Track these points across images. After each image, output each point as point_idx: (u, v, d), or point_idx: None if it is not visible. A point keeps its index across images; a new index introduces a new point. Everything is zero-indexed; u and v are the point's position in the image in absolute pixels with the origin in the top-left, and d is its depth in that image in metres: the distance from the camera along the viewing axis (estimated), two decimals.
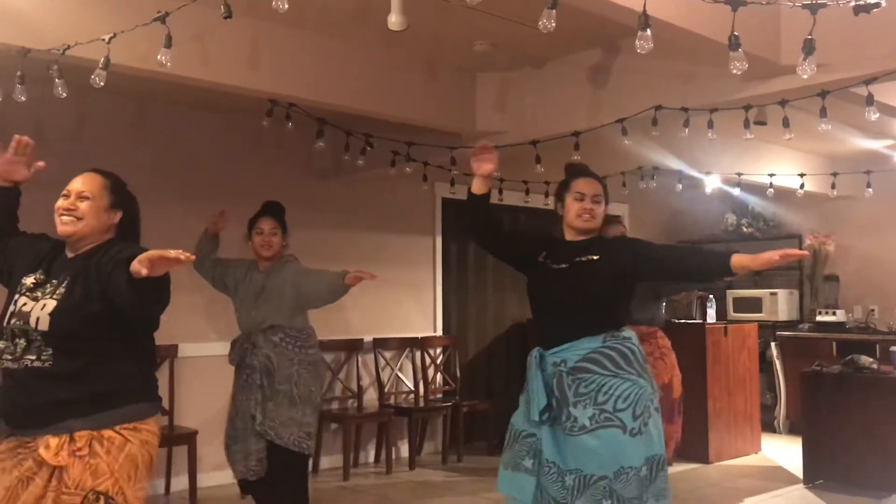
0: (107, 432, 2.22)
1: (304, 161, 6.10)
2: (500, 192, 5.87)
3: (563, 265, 3.01)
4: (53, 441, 2.19)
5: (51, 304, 2.27)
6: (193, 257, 2.08)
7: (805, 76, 2.92)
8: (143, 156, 5.41)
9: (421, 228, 6.90)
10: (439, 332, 6.96)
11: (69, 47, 3.38)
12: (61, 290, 2.30)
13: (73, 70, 3.46)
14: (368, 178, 6.12)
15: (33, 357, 2.24)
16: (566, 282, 2.98)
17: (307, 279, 4.10)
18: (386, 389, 6.44)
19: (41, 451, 2.18)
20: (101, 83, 3.29)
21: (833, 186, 6.11)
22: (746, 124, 4.11)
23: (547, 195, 6.28)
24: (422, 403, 6.53)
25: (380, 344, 6.48)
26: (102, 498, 2.17)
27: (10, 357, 2.27)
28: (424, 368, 6.65)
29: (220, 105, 5.43)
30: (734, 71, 2.95)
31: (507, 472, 2.97)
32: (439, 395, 6.75)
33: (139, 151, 5.40)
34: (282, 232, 4.23)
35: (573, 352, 2.89)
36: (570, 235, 3.12)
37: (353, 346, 6.28)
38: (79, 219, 2.39)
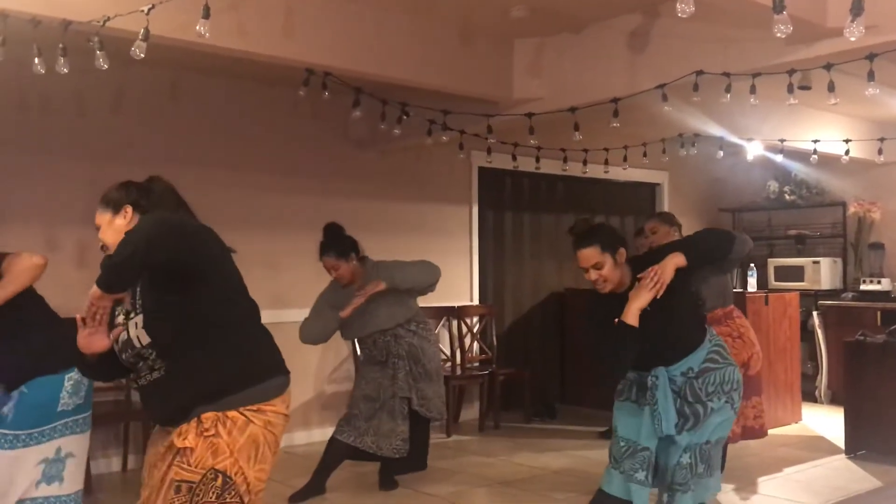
0: (231, 413, 2.23)
1: (341, 130, 6.11)
2: (538, 160, 5.83)
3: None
4: (184, 426, 2.24)
5: (139, 318, 2.33)
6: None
7: (853, 38, 2.85)
8: (180, 126, 5.47)
9: (457, 197, 6.89)
10: (476, 301, 6.98)
11: (109, 19, 3.41)
12: (138, 299, 2.35)
13: (112, 42, 3.50)
14: (405, 148, 6.12)
15: (149, 372, 2.31)
16: (655, 316, 3.04)
17: (399, 274, 4.53)
18: None
19: (173, 437, 2.24)
20: (142, 55, 3.31)
21: (880, 152, 5.98)
22: (790, 89, 4.02)
23: (585, 163, 6.23)
24: (459, 371, 6.57)
25: None
26: (220, 476, 2.19)
27: (136, 379, 2.37)
28: (461, 337, 6.68)
29: (257, 75, 5.46)
30: (778, 34, 2.88)
31: (620, 477, 3.16)
32: (476, 364, 6.78)
33: (177, 122, 5.46)
34: (346, 258, 4.52)
35: (695, 359, 3.16)
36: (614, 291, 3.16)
37: None
38: (106, 248, 2.46)
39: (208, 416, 2.22)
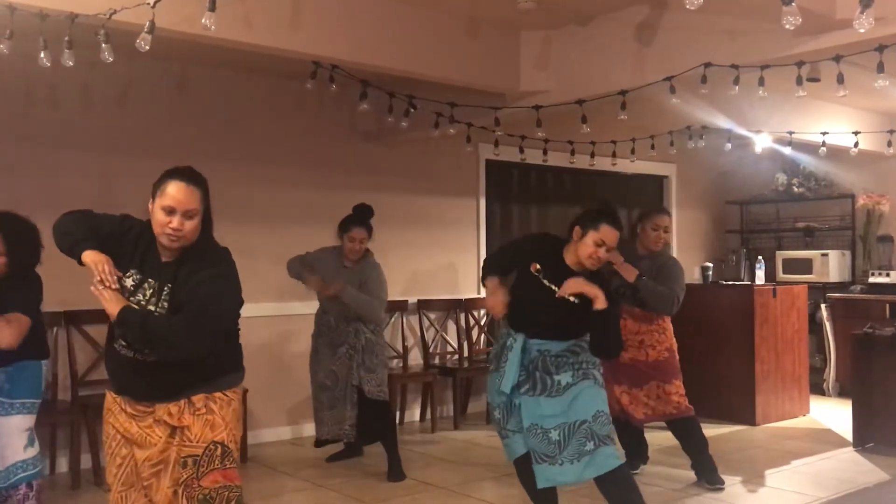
0: (217, 394, 2.58)
1: (348, 123, 6.11)
2: (545, 152, 5.82)
3: (555, 287, 3.27)
4: (174, 408, 2.52)
5: (165, 303, 2.48)
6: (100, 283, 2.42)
7: (862, 30, 2.83)
8: (187, 119, 5.47)
9: (465, 190, 6.89)
10: (483, 294, 6.97)
11: (115, 12, 3.41)
12: (163, 303, 2.47)
13: (119, 35, 3.50)
14: (412, 140, 6.11)
15: (146, 353, 2.49)
16: (552, 305, 3.26)
17: (354, 292, 4.75)
18: (430, 350, 6.50)
19: (164, 417, 2.51)
20: (147, 47, 3.31)
21: (889, 144, 5.95)
22: (799, 81, 4.00)
23: (593, 155, 6.22)
24: (466, 364, 6.58)
25: (424, 305, 6.52)
26: (220, 447, 2.54)
27: (124, 345, 2.52)
28: (469, 329, 6.69)
29: (263, 68, 5.45)
30: (787, 26, 2.87)
31: (515, 438, 3.39)
32: (483, 356, 6.78)
33: (183, 115, 5.46)
34: (369, 237, 4.85)
35: (557, 345, 3.33)
36: (571, 261, 3.36)
37: (397, 307, 6.33)
38: (184, 237, 2.48)
39: (198, 398, 2.54)
